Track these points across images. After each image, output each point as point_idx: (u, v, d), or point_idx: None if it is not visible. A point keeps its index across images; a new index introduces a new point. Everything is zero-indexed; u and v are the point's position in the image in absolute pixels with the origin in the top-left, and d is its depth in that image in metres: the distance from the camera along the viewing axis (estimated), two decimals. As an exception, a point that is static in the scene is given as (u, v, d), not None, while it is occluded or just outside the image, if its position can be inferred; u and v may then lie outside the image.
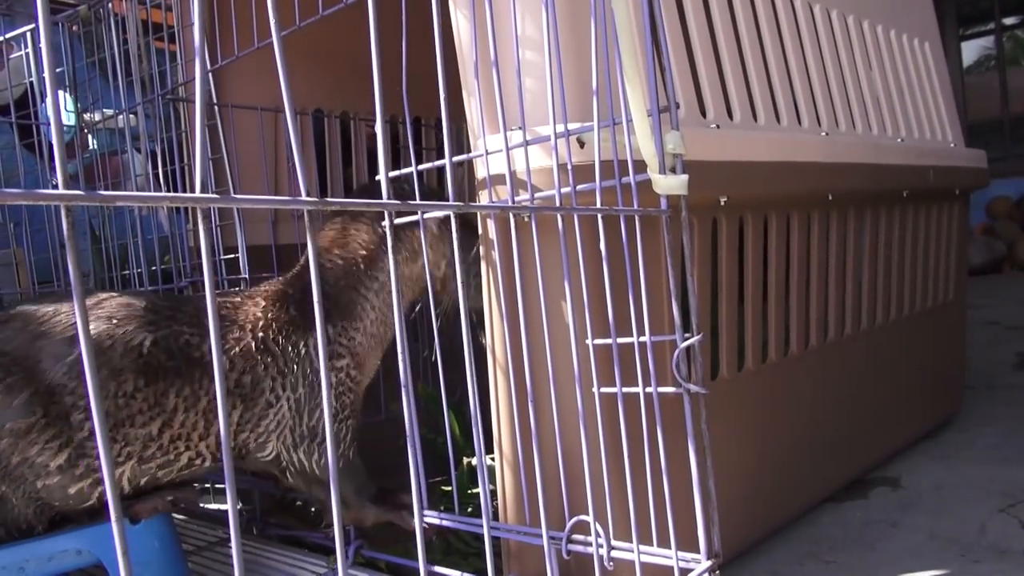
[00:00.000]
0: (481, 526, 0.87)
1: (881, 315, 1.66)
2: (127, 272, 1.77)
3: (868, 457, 1.64)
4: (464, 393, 0.94)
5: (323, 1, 1.20)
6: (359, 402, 1.22)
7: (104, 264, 1.85)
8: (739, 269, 1.26)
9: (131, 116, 1.74)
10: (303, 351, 1.14)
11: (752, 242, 1.28)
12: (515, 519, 1.08)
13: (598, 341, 0.97)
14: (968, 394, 2.11)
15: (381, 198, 0.63)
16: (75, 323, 1.03)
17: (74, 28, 1.90)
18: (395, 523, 1.21)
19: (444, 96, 0.87)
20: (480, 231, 1.08)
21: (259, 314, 1.15)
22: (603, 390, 0.97)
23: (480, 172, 1.06)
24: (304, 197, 0.54)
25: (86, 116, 1.94)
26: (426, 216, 1.13)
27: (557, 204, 0.98)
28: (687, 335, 0.93)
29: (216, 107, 1.63)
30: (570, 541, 0.98)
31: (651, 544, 0.95)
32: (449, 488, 1.15)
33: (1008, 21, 6.78)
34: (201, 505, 1.59)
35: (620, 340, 0.94)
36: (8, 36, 1.89)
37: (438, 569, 1.08)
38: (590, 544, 0.95)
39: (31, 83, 1.97)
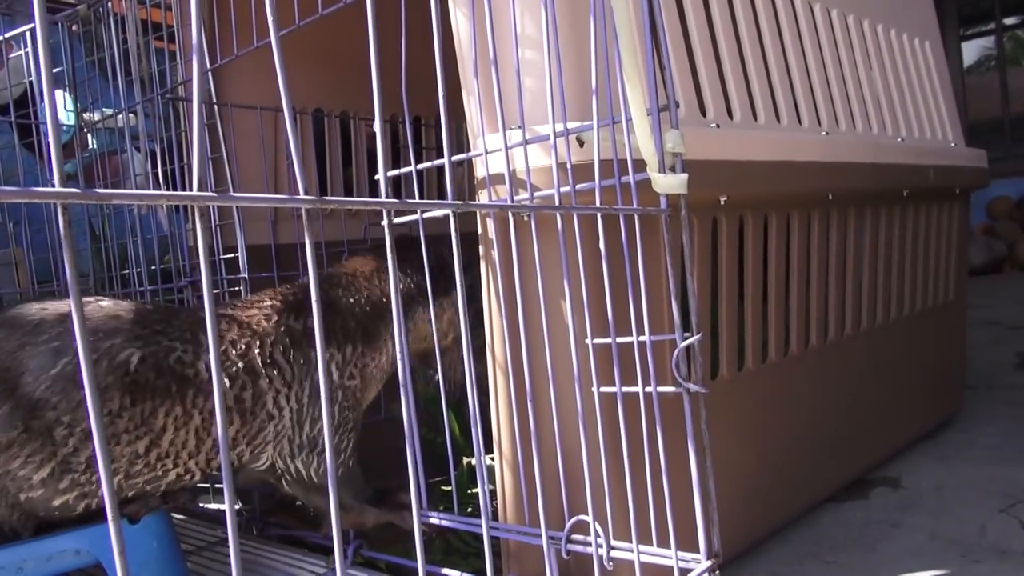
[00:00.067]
0: (480, 526, 0.86)
1: (881, 315, 1.65)
2: (127, 271, 1.76)
3: (868, 457, 1.64)
4: (464, 393, 0.94)
5: (322, 0, 1.20)
6: (360, 419, 1.21)
7: (104, 263, 1.85)
8: (739, 268, 1.26)
9: (131, 115, 1.74)
10: (315, 364, 1.13)
11: (752, 241, 1.27)
12: (514, 519, 1.08)
13: (597, 341, 0.97)
14: (968, 394, 2.11)
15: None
16: (59, 333, 1.00)
17: (74, 27, 1.90)
18: (395, 523, 1.21)
19: (443, 95, 0.87)
20: (480, 231, 1.08)
21: (270, 327, 1.12)
22: (603, 390, 0.96)
23: (479, 171, 1.06)
24: (302, 196, 0.54)
25: (86, 115, 1.94)
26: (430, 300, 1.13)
27: (556, 203, 0.98)
28: (687, 335, 0.92)
29: (216, 106, 1.63)
30: (569, 541, 0.98)
31: (651, 544, 0.95)
32: (449, 488, 1.15)
33: (1009, 21, 6.77)
34: (200, 505, 1.59)
35: (620, 340, 0.94)
36: (8, 35, 1.89)
37: (438, 569, 1.08)
38: (589, 544, 0.95)
39: (31, 82, 1.97)
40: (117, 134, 1.88)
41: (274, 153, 1.79)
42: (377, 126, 0.64)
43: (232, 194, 1.53)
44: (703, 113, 1.17)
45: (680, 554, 0.92)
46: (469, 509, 1.33)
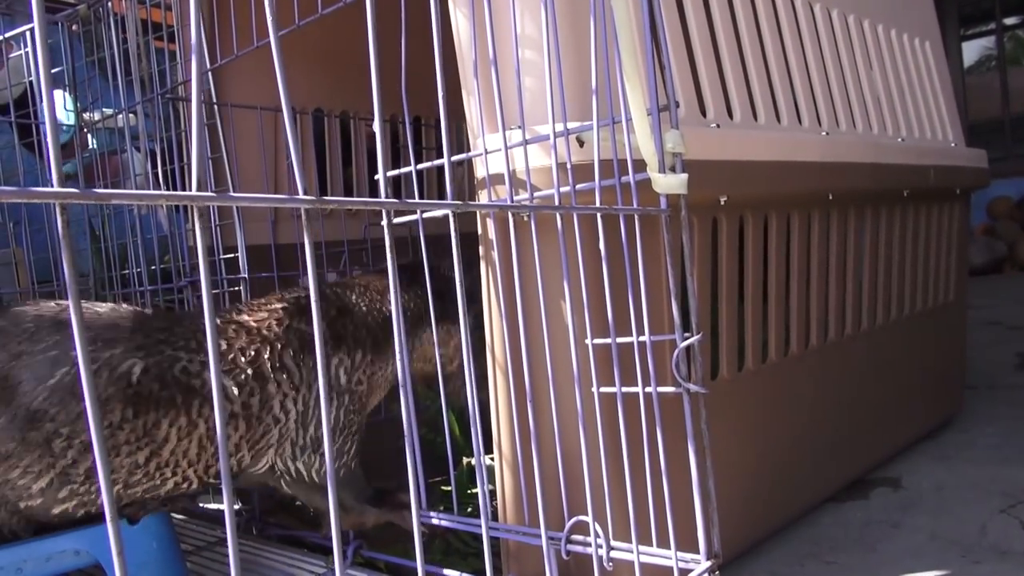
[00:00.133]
0: (480, 526, 0.86)
1: (881, 315, 1.65)
2: (127, 271, 1.76)
3: (869, 457, 1.63)
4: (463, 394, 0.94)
5: (322, 0, 1.20)
6: (363, 423, 1.22)
7: (104, 263, 1.85)
8: (739, 269, 1.26)
9: (131, 115, 1.74)
10: (326, 367, 1.12)
11: (752, 241, 1.27)
12: (514, 519, 1.08)
13: (597, 341, 0.97)
14: (969, 394, 2.11)
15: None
16: (56, 342, 0.98)
17: (74, 27, 1.90)
18: (395, 523, 1.21)
19: (443, 95, 0.87)
20: (480, 231, 1.08)
21: (280, 331, 1.11)
22: (602, 390, 0.96)
23: (479, 171, 1.06)
24: (301, 196, 0.54)
25: (85, 115, 1.94)
26: (437, 325, 1.12)
27: (556, 203, 0.97)
28: (687, 335, 0.92)
29: (215, 106, 1.63)
30: (569, 541, 0.98)
31: (650, 544, 0.95)
32: (449, 488, 1.15)
33: (1009, 21, 6.77)
34: (200, 505, 1.59)
35: (620, 340, 0.94)
36: (8, 35, 1.89)
37: (437, 569, 1.08)
38: (589, 544, 0.95)
39: (31, 82, 1.97)
40: (117, 134, 1.87)
41: (274, 153, 1.79)
42: (377, 126, 0.64)
43: (231, 194, 1.53)
44: (703, 113, 1.17)
45: (680, 554, 0.92)
46: (469, 509, 1.33)
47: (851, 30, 1.60)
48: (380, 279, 1.26)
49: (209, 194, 0.49)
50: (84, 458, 0.98)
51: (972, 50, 6.96)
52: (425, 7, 0.86)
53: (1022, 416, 1.95)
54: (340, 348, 1.15)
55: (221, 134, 1.63)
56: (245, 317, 1.13)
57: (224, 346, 1.07)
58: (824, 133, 1.41)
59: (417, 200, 0.80)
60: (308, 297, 1.18)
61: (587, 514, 0.95)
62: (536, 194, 1.00)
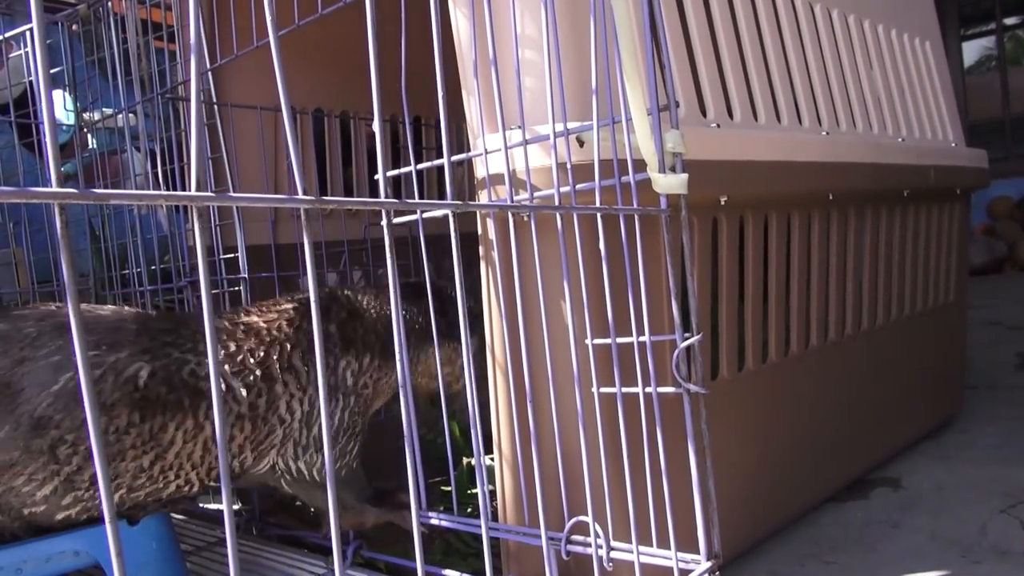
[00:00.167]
0: (480, 526, 0.86)
1: (882, 315, 1.65)
2: (127, 271, 1.76)
3: (869, 457, 1.63)
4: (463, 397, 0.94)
5: (322, 0, 1.20)
6: (366, 425, 1.22)
7: (104, 264, 1.85)
8: (739, 269, 1.25)
9: (131, 115, 1.74)
10: (333, 369, 1.13)
11: (752, 242, 1.27)
12: (514, 519, 1.08)
13: (597, 341, 0.97)
14: (969, 394, 2.11)
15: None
16: (59, 347, 0.98)
17: (74, 27, 1.90)
18: (395, 523, 1.21)
19: (443, 95, 0.87)
20: (480, 231, 1.08)
21: (290, 332, 1.12)
22: (602, 390, 0.96)
23: (479, 171, 1.06)
24: (301, 195, 0.54)
25: (85, 115, 1.94)
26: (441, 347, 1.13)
27: (556, 203, 0.97)
28: (687, 335, 0.92)
29: (215, 106, 1.63)
30: (569, 542, 0.98)
31: (651, 545, 0.95)
32: (448, 488, 1.15)
33: (1009, 21, 6.77)
34: (200, 505, 1.59)
35: (620, 340, 0.94)
36: (8, 35, 1.88)
37: (437, 569, 1.08)
38: (589, 545, 0.94)
39: (30, 82, 1.97)
40: (117, 134, 1.87)
41: (274, 153, 1.79)
42: (377, 126, 0.64)
43: (231, 194, 1.53)
44: (703, 113, 1.16)
45: (680, 555, 0.92)
46: (469, 509, 1.33)
47: (851, 30, 1.60)
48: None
49: (208, 194, 0.49)
50: (89, 464, 0.98)
51: (972, 50, 6.96)
52: (425, 7, 0.86)
53: (1022, 416, 1.95)
54: (349, 351, 1.15)
55: (221, 134, 1.63)
56: (255, 318, 1.13)
57: (233, 347, 1.07)
58: (824, 133, 1.41)
59: (417, 200, 0.80)
60: (322, 298, 1.19)
61: (587, 514, 0.95)
62: (536, 194, 1.00)
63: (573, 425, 0.97)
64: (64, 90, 1.93)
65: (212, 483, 1.10)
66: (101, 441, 0.42)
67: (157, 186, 1.73)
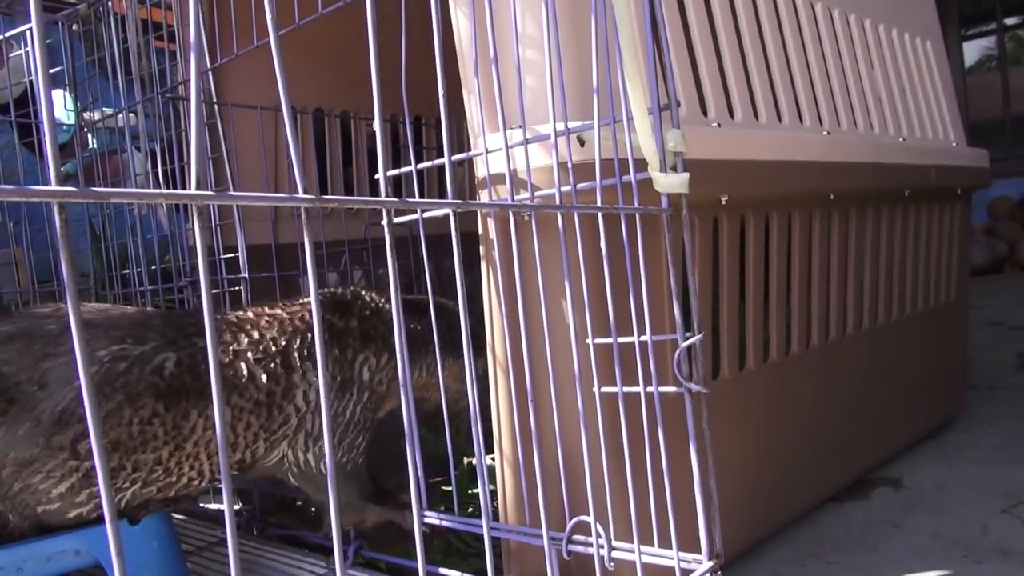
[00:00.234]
0: (481, 526, 0.86)
1: (883, 315, 1.65)
2: (127, 271, 1.76)
3: (870, 457, 1.63)
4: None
5: (322, 0, 1.20)
6: (375, 422, 1.23)
7: (104, 263, 1.85)
8: (740, 268, 1.25)
9: (131, 115, 1.74)
10: (351, 363, 1.15)
11: (753, 241, 1.27)
12: (515, 519, 1.08)
13: (598, 340, 0.97)
14: (970, 394, 2.11)
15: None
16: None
17: (74, 27, 1.90)
18: (396, 522, 1.21)
19: (444, 94, 0.87)
20: (480, 231, 1.08)
21: (312, 322, 1.14)
22: (604, 389, 0.96)
23: (480, 171, 1.06)
24: (301, 194, 0.54)
25: (86, 115, 1.94)
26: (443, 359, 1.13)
27: (557, 202, 0.97)
28: (688, 334, 0.92)
29: (216, 106, 1.63)
30: (570, 541, 0.97)
31: (652, 544, 0.94)
32: (449, 488, 1.15)
33: (1010, 21, 6.77)
34: (200, 505, 1.58)
35: (621, 339, 0.94)
36: (8, 35, 1.88)
37: (438, 569, 1.08)
38: (591, 544, 0.94)
39: (31, 82, 1.97)
40: (117, 133, 1.87)
41: (274, 153, 1.79)
42: (377, 125, 0.64)
43: (231, 193, 1.52)
44: (704, 112, 1.16)
45: (682, 554, 0.92)
46: (470, 509, 1.33)
47: (852, 29, 1.60)
48: (418, 297, 1.29)
49: (208, 192, 0.48)
50: (108, 458, 0.99)
51: (973, 50, 6.95)
52: (425, 6, 0.86)
53: (1023, 416, 1.95)
54: (368, 347, 1.17)
55: (221, 134, 1.63)
56: (278, 310, 1.16)
57: (256, 335, 1.10)
58: (825, 133, 1.41)
59: (418, 199, 0.79)
60: (342, 294, 1.21)
61: (588, 514, 0.94)
62: (537, 193, 1.00)
63: (574, 424, 0.96)
64: (64, 90, 1.93)
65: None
66: (101, 441, 0.42)
67: (157, 186, 1.73)
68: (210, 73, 1.62)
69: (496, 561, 0.91)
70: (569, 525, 0.98)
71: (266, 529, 1.43)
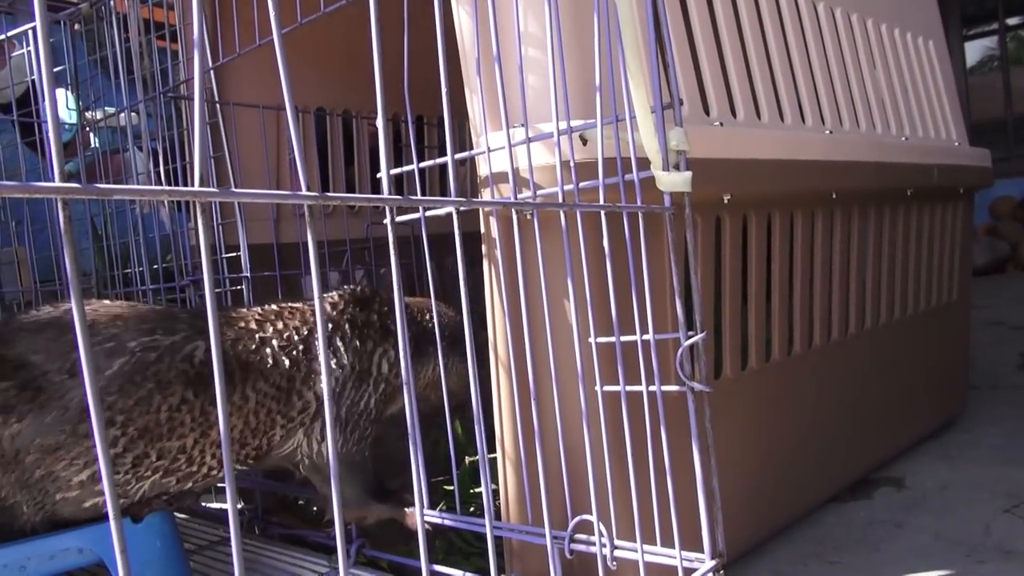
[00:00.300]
0: (483, 525, 0.86)
1: (885, 314, 1.65)
2: (129, 270, 1.77)
3: (872, 457, 1.63)
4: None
5: (325, -2, 1.19)
6: (385, 416, 1.24)
7: (106, 262, 1.85)
8: (743, 267, 1.25)
9: (133, 114, 1.74)
10: (370, 354, 1.17)
11: (756, 240, 1.27)
12: (518, 518, 1.08)
13: (601, 339, 0.97)
14: (972, 394, 2.11)
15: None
16: (114, 335, 1.01)
17: (76, 26, 1.90)
18: (398, 521, 1.21)
19: (446, 93, 0.87)
20: (483, 229, 1.08)
21: (334, 315, 1.18)
22: (606, 388, 0.96)
23: (482, 170, 1.06)
24: (304, 192, 0.54)
25: (88, 114, 1.94)
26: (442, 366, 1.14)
27: (560, 201, 0.97)
28: (690, 333, 0.92)
29: (218, 105, 1.63)
30: (573, 540, 0.97)
31: (654, 544, 0.94)
32: (451, 487, 1.15)
33: (1012, 21, 6.76)
34: (203, 504, 1.58)
35: (623, 338, 0.94)
36: (10, 34, 1.89)
37: (440, 568, 1.08)
38: (593, 543, 0.94)
39: (33, 81, 1.97)
40: (119, 133, 1.88)
41: (276, 152, 1.79)
42: (380, 123, 0.64)
43: (233, 189, 1.52)
44: (707, 111, 1.16)
45: (684, 554, 0.92)
46: (472, 508, 1.33)
47: (854, 29, 1.60)
48: (419, 302, 1.32)
49: (211, 189, 0.48)
50: (134, 446, 1.01)
51: (975, 50, 6.94)
52: (428, 5, 0.86)
53: (1026, 416, 1.95)
54: (387, 340, 1.20)
55: (223, 133, 1.63)
56: (300, 303, 1.20)
57: (280, 325, 1.15)
58: (828, 132, 1.41)
59: (420, 197, 0.79)
60: (364, 290, 1.25)
61: (591, 513, 0.94)
62: (539, 192, 1.00)
63: (577, 423, 0.96)
64: (66, 89, 1.93)
65: (238, 466, 1.14)
66: (104, 443, 0.42)
67: (159, 185, 1.73)
68: (212, 72, 1.62)
69: (498, 560, 0.90)
70: (571, 524, 0.97)
71: (268, 528, 1.43)
